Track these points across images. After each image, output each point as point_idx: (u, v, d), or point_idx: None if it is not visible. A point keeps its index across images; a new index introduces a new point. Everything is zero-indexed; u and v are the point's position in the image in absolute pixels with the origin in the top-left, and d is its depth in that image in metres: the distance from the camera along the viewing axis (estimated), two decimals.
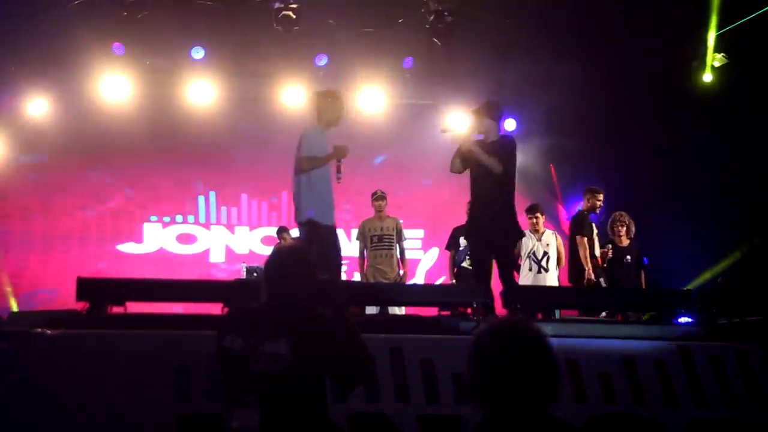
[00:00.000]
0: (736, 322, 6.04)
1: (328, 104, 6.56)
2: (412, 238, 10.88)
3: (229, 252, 11.29)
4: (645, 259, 11.23)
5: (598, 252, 8.53)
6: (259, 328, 3.10)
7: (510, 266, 6.78)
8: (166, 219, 11.29)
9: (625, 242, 8.76)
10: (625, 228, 8.73)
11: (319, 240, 6.13)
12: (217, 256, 11.33)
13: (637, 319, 8.09)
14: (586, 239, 8.39)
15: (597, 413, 4.92)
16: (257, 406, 3.01)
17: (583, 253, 8.33)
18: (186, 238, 11.31)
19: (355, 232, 9.57)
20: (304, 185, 6.34)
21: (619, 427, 4.94)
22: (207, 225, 11.39)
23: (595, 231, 8.58)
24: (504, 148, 6.52)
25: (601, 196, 8.63)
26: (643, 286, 8.72)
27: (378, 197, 8.95)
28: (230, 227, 11.41)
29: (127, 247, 11.09)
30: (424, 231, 11.61)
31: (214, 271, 11.16)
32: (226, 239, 11.36)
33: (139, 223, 11.18)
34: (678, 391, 5.09)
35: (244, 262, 9.54)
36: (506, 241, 6.59)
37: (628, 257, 8.70)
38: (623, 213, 8.97)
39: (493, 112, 6.65)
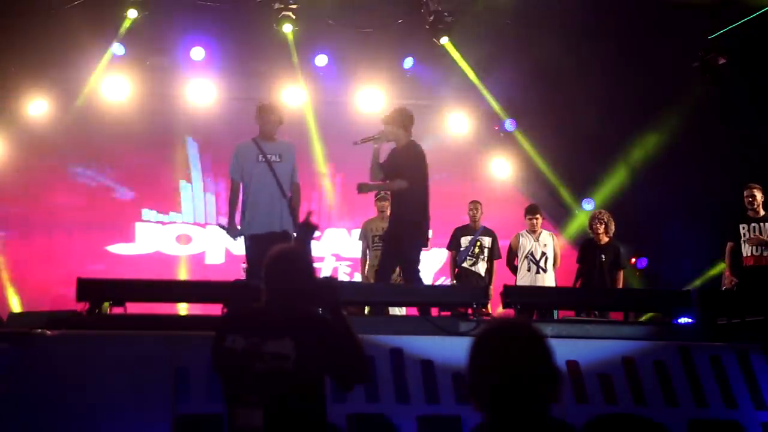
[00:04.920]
0: (736, 322, 6.04)
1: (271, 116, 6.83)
2: None
3: (228, 253, 11.27)
4: (645, 259, 11.27)
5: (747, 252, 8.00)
6: (261, 328, 3.12)
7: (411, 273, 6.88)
8: (166, 219, 11.27)
9: (604, 240, 8.72)
10: (603, 226, 8.69)
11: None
12: (217, 257, 11.31)
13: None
14: (730, 245, 8.06)
15: (597, 413, 4.92)
16: (260, 406, 3.02)
17: (726, 261, 8.07)
18: (185, 239, 11.29)
19: (356, 232, 9.56)
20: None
21: (619, 427, 4.94)
22: (205, 225, 11.38)
23: (745, 234, 7.99)
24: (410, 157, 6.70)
25: (749, 192, 7.97)
26: (620, 286, 8.69)
27: (381, 198, 8.94)
28: None
29: (127, 248, 11.08)
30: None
31: (214, 272, 11.13)
32: (225, 240, 11.32)
33: (138, 224, 11.17)
34: (678, 391, 5.10)
35: (243, 263, 9.52)
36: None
37: (603, 256, 8.66)
38: (602, 211, 8.99)
39: (403, 119, 6.78)
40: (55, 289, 9.89)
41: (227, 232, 6.76)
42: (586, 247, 8.90)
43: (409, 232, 6.57)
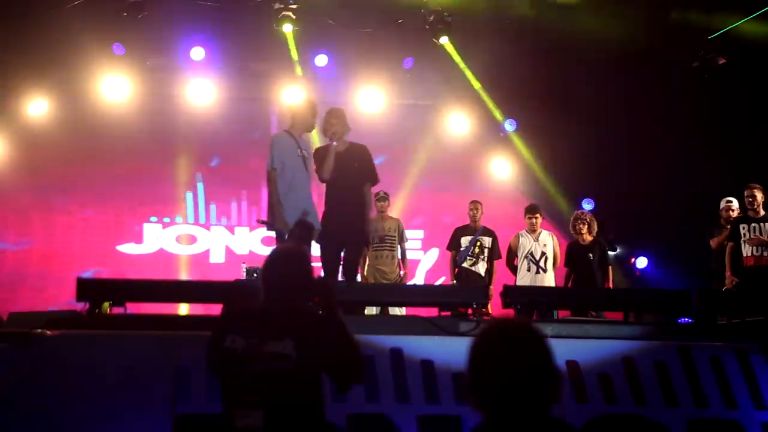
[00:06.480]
0: (736, 322, 6.04)
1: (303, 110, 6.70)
2: (412, 239, 10.88)
3: (229, 252, 11.28)
4: (645, 259, 11.25)
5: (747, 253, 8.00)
6: (261, 328, 3.11)
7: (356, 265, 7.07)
8: (166, 219, 11.27)
9: (588, 239, 8.83)
10: (586, 226, 8.84)
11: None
12: (217, 257, 11.32)
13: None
14: (730, 245, 8.06)
15: (597, 413, 4.92)
16: (260, 406, 3.02)
17: (726, 261, 8.08)
18: (186, 239, 11.30)
19: None
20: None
21: (619, 427, 4.94)
22: (207, 225, 11.37)
23: (745, 234, 7.97)
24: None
25: (749, 192, 7.95)
26: (610, 283, 8.76)
27: (380, 198, 8.94)
28: (230, 228, 11.40)
29: (127, 248, 11.08)
30: (423, 231, 11.60)
31: (214, 271, 11.14)
32: (226, 240, 11.35)
33: (139, 224, 11.16)
34: (678, 391, 5.09)
35: (244, 263, 9.54)
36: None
37: (590, 255, 8.74)
38: (584, 211, 9.19)
39: (344, 118, 6.82)
40: (55, 289, 9.90)
41: (273, 227, 6.40)
42: (572, 248, 8.97)
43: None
